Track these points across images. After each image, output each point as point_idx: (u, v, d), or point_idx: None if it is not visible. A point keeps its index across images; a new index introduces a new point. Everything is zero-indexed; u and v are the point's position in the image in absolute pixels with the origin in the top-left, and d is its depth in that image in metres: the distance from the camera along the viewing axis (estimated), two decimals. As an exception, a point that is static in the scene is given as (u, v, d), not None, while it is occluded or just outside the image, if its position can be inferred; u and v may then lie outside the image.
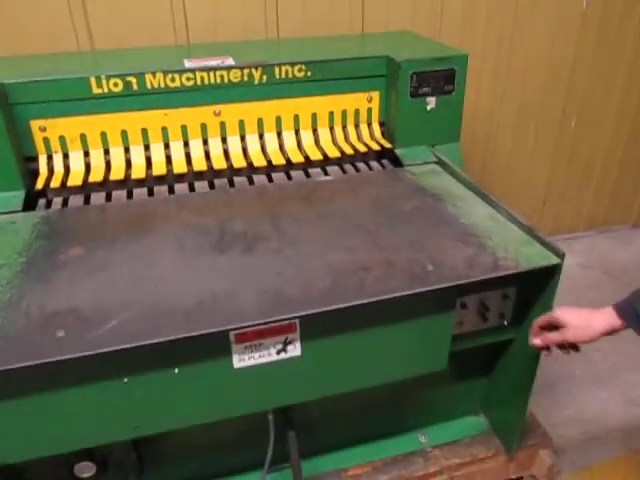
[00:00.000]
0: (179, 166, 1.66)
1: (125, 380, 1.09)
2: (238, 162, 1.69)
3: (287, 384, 1.23)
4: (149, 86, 1.61)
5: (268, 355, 1.17)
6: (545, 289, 1.33)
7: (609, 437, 2.01)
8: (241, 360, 1.15)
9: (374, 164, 1.81)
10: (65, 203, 1.58)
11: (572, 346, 1.31)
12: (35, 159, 1.61)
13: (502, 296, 1.38)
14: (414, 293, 1.14)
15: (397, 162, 1.79)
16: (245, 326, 1.08)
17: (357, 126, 1.85)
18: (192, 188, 1.66)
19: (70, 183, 1.58)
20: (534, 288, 1.36)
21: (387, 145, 1.80)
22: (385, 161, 1.82)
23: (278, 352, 1.17)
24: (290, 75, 1.70)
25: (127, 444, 1.35)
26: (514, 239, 1.33)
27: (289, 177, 1.72)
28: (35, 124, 1.58)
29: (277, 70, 1.68)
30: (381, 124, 1.87)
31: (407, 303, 1.19)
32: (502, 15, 2.53)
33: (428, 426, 1.72)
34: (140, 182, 1.64)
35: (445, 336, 1.31)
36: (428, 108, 1.79)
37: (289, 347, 1.17)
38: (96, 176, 1.60)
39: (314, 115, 1.78)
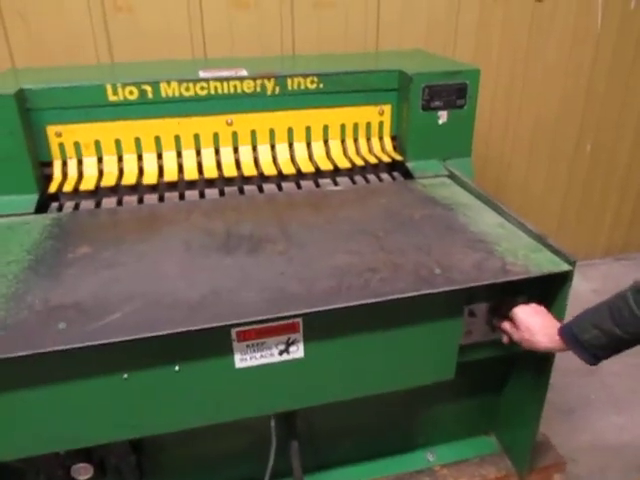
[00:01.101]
0: (190, 173, 1.67)
1: (125, 376, 1.08)
2: (249, 171, 1.70)
3: (289, 387, 1.21)
4: (164, 94, 1.64)
5: (270, 356, 1.15)
6: (556, 299, 1.30)
7: (626, 464, 1.93)
8: (243, 360, 1.13)
9: (385, 176, 1.81)
10: (77, 207, 1.60)
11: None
12: (50, 164, 1.64)
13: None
14: (421, 295, 1.12)
15: (408, 175, 1.79)
16: (247, 322, 1.06)
17: (368, 139, 1.86)
18: (202, 195, 1.67)
19: (82, 187, 1.59)
20: (545, 299, 1.33)
21: (398, 158, 1.80)
22: (396, 173, 1.82)
23: (280, 353, 1.15)
24: (302, 87, 1.72)
25: (126, 447, 1.32)
26: (524, 246, 1.30)
27: (299, 186, 1.73)
28: (51, 129, 1.61)
29: (289, 81, 1.71)
30: (392, 137, 1.88)
31: (413, 305, 1.17)
32: (516, 36, 2.56)
33: (436, 444, 1.67)
34: (151, 188, 1.66)
35: (452, 343, 1.28)
36: (439, 122, 1.79)
37: (292, 348, 1.15)
38: (108, 181, 1.62)
39: (325, 127, 1.80)
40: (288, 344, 1.14)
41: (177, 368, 1.10)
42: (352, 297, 1.11)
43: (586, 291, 2.92)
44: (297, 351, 1.16)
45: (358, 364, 1.23)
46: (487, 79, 2.56)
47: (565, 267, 1.21)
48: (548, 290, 1.30)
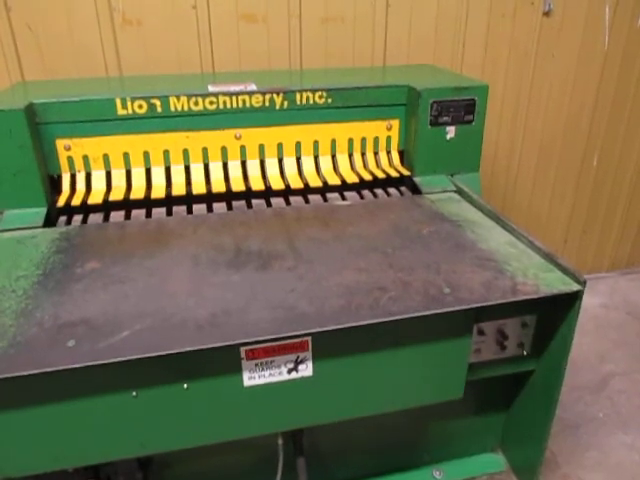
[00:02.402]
0: (198, 187, 1.67)
1: (134, 394, 1.08)
2: (256, 185, 1.70)
3: (298, 405, 1.20)
4: (173, 109, 1.64)
5: (279, 374, 1.14)
6: (565, 318, 1.29)
7: (634, 482, 1.91)
8: (251, 378, 1.13)
9: (392, 191, 1.81)
10: (85, 220, 1.60)
11: None
12: (59, 177, 1.65)
13: (521, 324, 1.35)
14: (430, 314, 1.12)
15: (415, 190, 1.79)
16: (256, 341, 1.06)
17: (376, 153, 1.86)
18: (210, 209, 1.67)
19: (91, 201, 1.60)
20: (554, 317, 1.32)
21: (406, 173, 1.80)
22: (403, 188, 1.82)
23: (289, 371, 1.14)
24: (311, 101, 1.73)
25: (134, 465, 1.32)
26: (534, 265, 1.30)
27: (307, 201, 1.73)
28: (60, 143, 1.61)
29: (298, 96, 1.71)
30: (400, 152, 1.88)
31: (422, 325, 1.16)
32: (524, 52, 2.56)
33: (443, 461, 1.66)
34: (159, 202, 1.66)
35: (461, 362, 1.28)
36: (448, 137, 1.79)
37: (300, 366, 1.14)
38: (116, 195, 1.62)
39: (333, 141, 1.80)
40: (297, 363, 1.14)
41: (186, 386, 1.10)
42: (362, 316, 1.10)
43: (594, 306, 2.90)
44: (306, 370, 1.15)
45: (367, 383, 1.22)
46: (494, 94, 2.56)
47: (575, 287, 1.21)
48: (558, 309, 1.29)
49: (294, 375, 1.15)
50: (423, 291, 1.19)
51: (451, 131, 1.79)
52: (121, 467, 1.29)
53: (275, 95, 1.70)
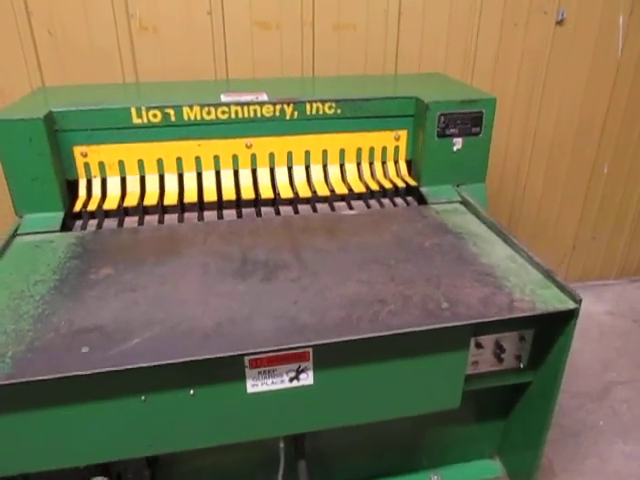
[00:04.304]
0: (209, 195, 1.73)
1: (142, 398, 1.13)
2: (266, 193, 1.75)
3: (299, 412, 1.25)
4: (186, 118, 1.69)
5: (281, 382, 1.19)
6: (562, 333, 1.33)
7: (631, 492, 1.94)
8: (254, 385, 1.18)
9: (399, 201, 1.84)
10: (100, 225, 1.66)
11: None
12: (75, 182, 1.71)
13: (519, 338, 1.38)
14: (426, 329, 1.16)
15: (422, 200, 1.82)
16: (259, 352, 1.11)
17: (384, 163, 1.90)
18: (221, 216, 1.72)
19: (106, 207, 1.66)
20: (551, 332, 1.35)
21: (412, 183, 1.84)
22: (410, 198, 1.86)
23: (291, 380, 1.19)
24: (320, 112, 1.77)
25: (142, 462, 1.38)
26: (532, 281, 1.33)
27: (314, 209, 1.77)
28: (77, 150, 1.67)
29: (308, 107, 1.75)
30: (408, 162, 1.91)
31: (420, 338, 1.20)
32: (535, 60, 2.57)
33: (441, 466, 1.70)
34: (172, 208, 1.71)
35: (458, 375, 1.32)
36: (454, 149, 1.82)
37: (302, 375, 1.19)
38: (131, 201, 1.68)
39: (342, 151, 1.84)
40: (298, 372, 1.19)
41: (192, 392, 1.15)
42: (361, 329, 1.15)
43: (599, 313, 2.91)
44: (307, 378, 1.20)
45: (365, 392, 1.27)
46: (505, 102, 2.58)
47: (571, 305, 1.24)
48: (555, 324, 1.33)
49: (295, 383, 1.20)
50: (422, 305, 1.23)
51: (458, 143, 1.82)
52: (130, 464, 1.36)
53: (285, 105, 1.74)
